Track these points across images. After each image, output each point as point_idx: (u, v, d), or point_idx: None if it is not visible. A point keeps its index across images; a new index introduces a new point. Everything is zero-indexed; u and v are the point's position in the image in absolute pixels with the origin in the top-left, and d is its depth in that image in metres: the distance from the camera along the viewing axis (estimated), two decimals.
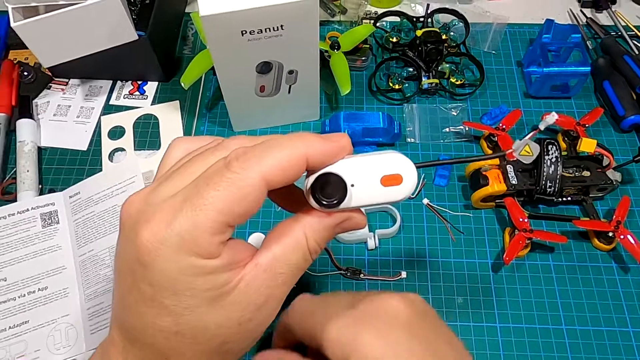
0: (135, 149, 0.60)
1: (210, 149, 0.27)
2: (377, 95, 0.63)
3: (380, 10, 0.70)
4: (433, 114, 0.61)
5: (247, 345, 0.28)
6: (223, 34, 0.46)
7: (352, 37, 0.62)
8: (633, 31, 0.67)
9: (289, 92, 0.56)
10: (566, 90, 0.62)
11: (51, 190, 0.57)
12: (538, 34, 0.63)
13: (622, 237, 0.49)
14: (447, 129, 0.60)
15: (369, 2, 0.71)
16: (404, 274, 0.51)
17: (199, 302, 0.25)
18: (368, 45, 0.65)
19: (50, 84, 0.65)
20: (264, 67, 0.51)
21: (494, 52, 0.67)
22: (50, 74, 0.65)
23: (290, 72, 0.53)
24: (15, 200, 0.55)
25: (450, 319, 0.48)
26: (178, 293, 0.24)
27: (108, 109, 0.63)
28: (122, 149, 0.60)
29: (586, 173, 0.53)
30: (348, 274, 0.51)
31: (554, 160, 0.51)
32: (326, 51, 0.60)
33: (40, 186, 0.57)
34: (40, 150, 0.60)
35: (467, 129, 0.60)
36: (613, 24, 0.68)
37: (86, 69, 0.64)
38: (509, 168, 0.52)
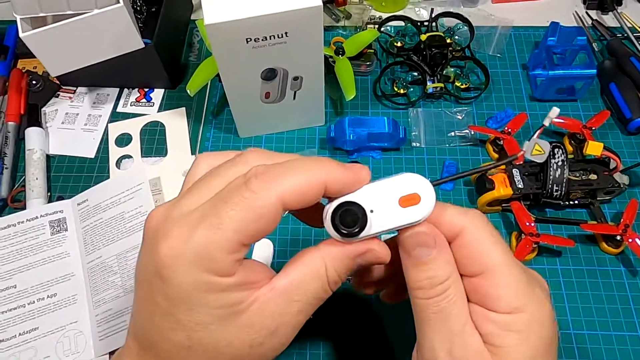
0: (142, 156, 0.61)
1: (230, 161, 0.27)
2: (382, 100, 0.63)
3: (385, 15, 0.70)
4: (438, 118, 0.61)
5: None
6: (228, 42, 0.47)
7: (357, 42, 0.62)
8: (639, 33, 0.66)
9: (294, 98, 0.56)
10: (572, 93, 0.62)
11: (60, 198, 0.57)
12: (543, 36, 0.63)
13: (630, 240, 0.49)
14: (453, 133, 0.60)
15: (374, 7, 0.72)
16: None
17: (211, 319, 0.25)
18: (373, 50, 0.65)
19: (58, 93, 0.66)
20: (269, 74, 0.52)
21: (499, 55, 0.67)
22: (58, 82, 0.66)
23: (295, 78, 0.53)
24: (24, 208, 0.56)
25: None
26: (192, 309, 0.25)
27: (115, 116, 0.64)
28: (130, 156, 0.61)
29: (593, 176, 0.52)
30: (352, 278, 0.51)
31: (560, 163, 0.51)
32: (331, 57, 0.61)
33: (48, 194, 0.58)
34: (49, 158, 0.61)
35: (472, 133, 0.59)
36: (619, 25, 0.68)
37: (93, 77, 0.64)
38: (515, 172, 0.52)
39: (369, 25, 0.69)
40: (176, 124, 0.63)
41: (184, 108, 0.64)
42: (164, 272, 0.24)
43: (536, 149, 0.31)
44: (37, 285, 0.51)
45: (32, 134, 0.60)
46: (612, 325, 0.48)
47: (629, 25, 0.67)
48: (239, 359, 0.26)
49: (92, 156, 0.61)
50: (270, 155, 0.27)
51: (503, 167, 0.53)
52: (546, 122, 0.30)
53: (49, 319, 0.49)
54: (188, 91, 0.57)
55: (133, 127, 0.63)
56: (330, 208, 0.27)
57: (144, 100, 0.65)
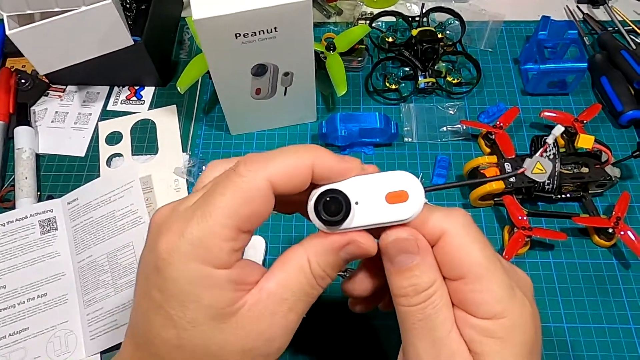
0: (133, 154, 0.60)
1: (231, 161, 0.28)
2: (373, 95, 0.63)
3: (376, 11, 0.70)
4: (430, 113, 0.61)
5: None
6: (216, 37, 0.46)
7: (348, 38, 0.62)
8: (630, 26, 0.66)
9: (285, 94, 0.55)
10: (564, 86, 0.62)
11: (49, 197, 0.57)
12: (534, 31, 0.63)
13: (622, 233, 0.49)
14: (445, 128, 0.60)
15: (365, 2, 0.71)
16: None
17: (202, 318, 0.24)
18: (364, 46, 0.65)
19: (48, 91, 0.66)
20: (259, 70, 0.51)
21: (490, 50, 0.67)
22: (47, 81, 0.66)
23: (286, 74, 0.53)
24: (13, 207, 0.55)
25: None
26: (184, 305, 0.24)
27: (105, 114, 0.64)
28: (120, 155, 0.60)
29: (585, 169, 0.52)
30: (347, 276, 0.50)
31: (552, 157, 0.51)
32: (322, 52, 0.60)
33: (38, 193, 0.57)
34: (39, 157, 0.60)
35: (464, 127, 0.59)
36: (610, 19, 0.68)
37: (83, 75, 0.64)
38: (507, 166, 0.52)
39: (360, 21, 0.69)
40: (167, 121, 0.62)
41: (174, 106, 0.64)
42: (160, 265, 0.24)
43: (537, 167, 0.30)
44: (27, 285, 0.50)
45: (22, 133, 0.60)
46: (605, 317, 0.48)
47: (620, 18, 0.67)
48: None
49: (82, 155, 0.60)
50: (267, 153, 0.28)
51: (495, 160, 0.53)
52: (549, 140, 0.30)
53: (39, 319, 0.49)
54: (178, 88, 0.57)
55: (123, 125, 0.62)
56: (315, 194, 0.27)
57: (134, 98, 0.65)
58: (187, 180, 0.57)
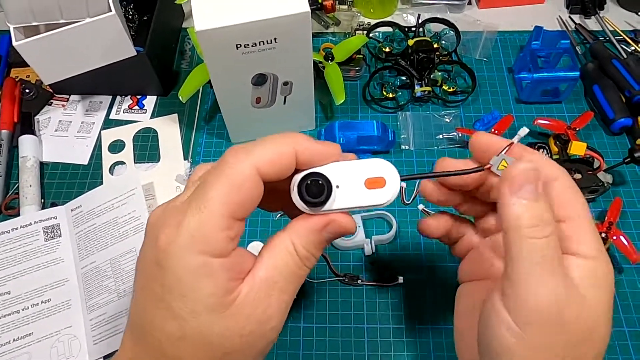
0: (135, 162, 0.61)
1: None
2: (371, 104, 0.64)
3: (373, 21, 0.71)
4: (426, 121, 0.62)
5: (253, 358, 0.28)
6: (218, 48, 0.47)
7: (346, 48, 0.64)
8: (621, 36, 0.68)
9: (285, 103, 0.57)
10: (557, 94, 0.63)
11: (53, 204, 0.58)
12: (528, 40, 0.64)
13: (614, 238, 0.50)
14: (441, 136, 0.61)
15: (362, 13, 0.73)
16: (401, 279, 0.51)
17: (202, 308, 0.25)
18: (362, 56, 0.66)
19: (51, 100, 0.67)
20: (259, 79, 0.53)
21: (485, 59, 0.68)
22: (51, 90, 0.67)
23: (285, 83, 0.54)
24: (18, 214, 0.56)
25: (451, 324, 0.49)
26: (185, 295, 0.25)
27: (108, 123, 0.65)
28: (123, 162, 0.61)
29: (577, 176, 0.54)
30: (346, 280, 0.52)
31: None
32: (320, 62, 0.62)
33: (42, 200, 0.58)
34: (42, 165, 0.61)
35: (460, 135, 0.61)
36: (601, 29, 0.69)
37: (86, 84, 0.65)
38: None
39: (357, 32, 0.70)
40: (169, 130, 0.64)
41: (176, 114, 0.65)
42: (160, 258, 0.25)
43: (502, 165, 0.32)
44: (31, 291, 0.51)
45: (26, 142, 0.61)
46: None
47: (611, 28, 0.69)
48: (231, 350, 0.26)
49: (86, 163, 0.62)
50: None
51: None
52: (515, 140, 0.31)
53: (43, 324, 0.50)
54: (180, 98, 0.58)
55: (126, 133, 0.64)
56: (298, 177, 0.28)
57: (136, 107, 0.66)
58: None
